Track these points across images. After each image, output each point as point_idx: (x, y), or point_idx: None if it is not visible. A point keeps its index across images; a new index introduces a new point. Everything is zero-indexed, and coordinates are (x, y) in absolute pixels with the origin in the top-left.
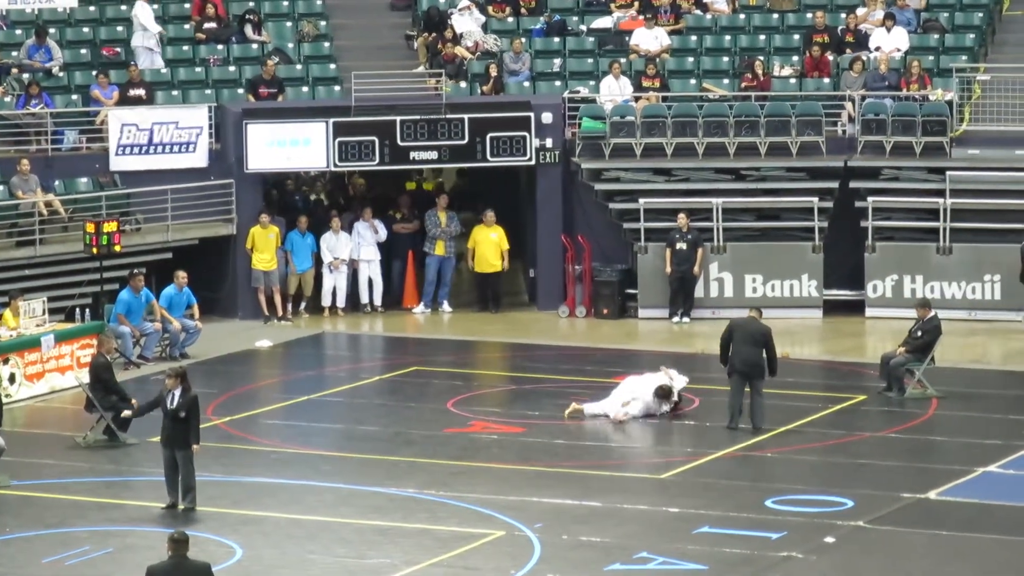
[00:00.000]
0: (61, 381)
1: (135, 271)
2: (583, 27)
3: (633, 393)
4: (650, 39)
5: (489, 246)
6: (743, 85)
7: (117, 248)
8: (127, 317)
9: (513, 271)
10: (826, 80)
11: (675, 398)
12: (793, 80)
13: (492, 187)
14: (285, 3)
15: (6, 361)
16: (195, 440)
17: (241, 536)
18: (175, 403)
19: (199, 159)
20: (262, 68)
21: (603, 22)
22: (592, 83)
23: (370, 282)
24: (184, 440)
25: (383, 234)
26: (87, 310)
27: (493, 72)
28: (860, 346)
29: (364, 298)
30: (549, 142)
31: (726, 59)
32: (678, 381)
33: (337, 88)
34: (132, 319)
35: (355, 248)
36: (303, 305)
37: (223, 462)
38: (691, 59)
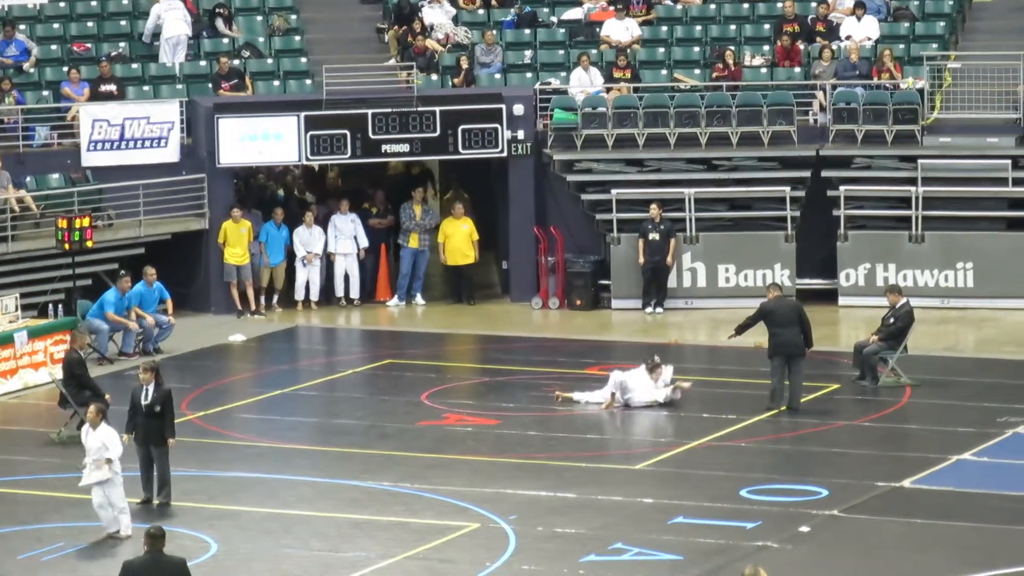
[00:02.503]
0: (34, 377)
1: (122, 272)
2: (554, 19)
3: (624, 385)
4: (621, 30)
5: (461, 238)
6: (714, 75)
7: (89, 244)
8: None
9: (486, 263)
10: (797, 69)
11: (665, 379)
12: (764, 70)
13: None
14: None
15: None
16: (171, 434)
17: (216, 531)
18: (149, 398)
19: (171, 154)
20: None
21: (574, 13)
22: (563, 74)
23: (346, 275)
24: (160, 435)
25: (363, 238)
26: (60, 306)
27: (464, 64)
28: (833, 335)
29: (340, 291)
30: (521, 134)
31: (697, 49)
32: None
33: (308, 82)
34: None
35: (332, 241)
36: (276, 299)
37: (198, 457)
38: (662, 50)
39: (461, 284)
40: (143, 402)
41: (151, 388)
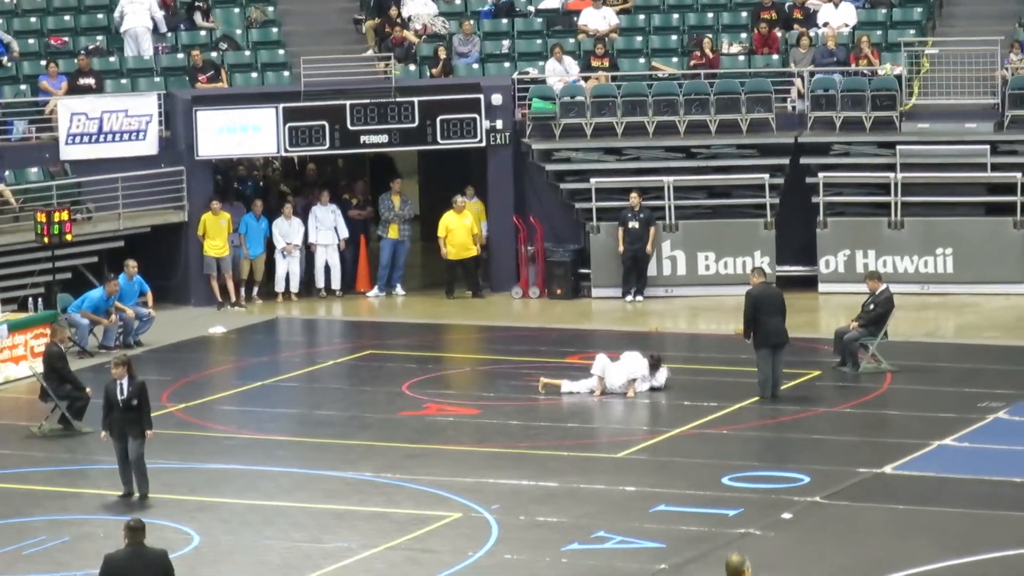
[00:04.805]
0: (15, 371)
1: (111, 276)
2: (531, 8)
3: (611, 370)
4: (598, 19)
5: (463, 232)
6: (692, 63)
7: (69, 237)
8: (92, 313)
9: None
10: (775, 57)
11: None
12: (742, 57)
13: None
14: None
15: None
16: (148, 426)
17: (198, 523)
18: (125, 393)
19: (149, 147)
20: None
21: (551, 2)
22: (542, 64)
23: (327, 267)
24: (138, 428)
25: (343, 229)
26: (40, 299)
27: (442, 55)
28: (813, 321)
29: (320, 282)
30: (499, 124)
31: (675, 37)
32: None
33: (286, 73)
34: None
35: (312, 232)
36: (256, 291)
37: (178, 449)
38: (640, 38)
39: (466, 276)
40: (119, 397)
41: (125, 383)
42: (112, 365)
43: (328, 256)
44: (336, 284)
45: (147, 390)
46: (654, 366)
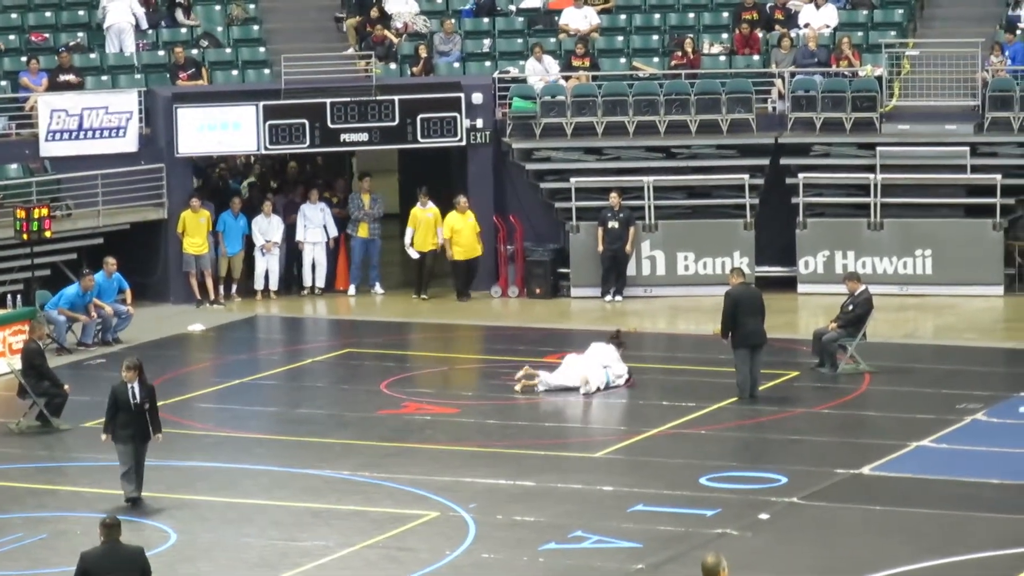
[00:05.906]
0: None
1: (86, 271)
2: (512, 7)
3: (586, 367)
4: (579, 18)
5: (468, 232)
6: (673, 63)
7: (48, 234)
8: (69, 310)
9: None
10: (756, 57)
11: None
12: (723, 58)
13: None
14: None
15: None
16: (157, 430)
17: (176, 520)
18: (138, 397)
19: (129, 144)
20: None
21: (532, 2)
22: (522, 63)
23: (313, 264)
24: (148, 432)
25: (332, 227)
26: (18, 296)
27: (423, 53)
28: (792, 322)
29: (307, 280)
30: (480, 122)
31: (656, 37)
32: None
33: (267, 71)
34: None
35: (301, 230)
36: (235, 288)
37: (157, 446)
38: (621, 38)
39: (467, 277)
40: (132, 401)
41: (136, 386)
42: (123, 368)
43: (316, 254)
44: (321, 282)
45: (155, 393)
46: (619, 344)
